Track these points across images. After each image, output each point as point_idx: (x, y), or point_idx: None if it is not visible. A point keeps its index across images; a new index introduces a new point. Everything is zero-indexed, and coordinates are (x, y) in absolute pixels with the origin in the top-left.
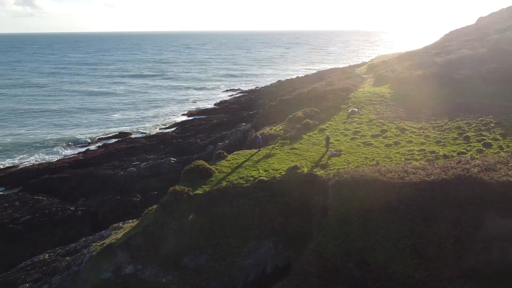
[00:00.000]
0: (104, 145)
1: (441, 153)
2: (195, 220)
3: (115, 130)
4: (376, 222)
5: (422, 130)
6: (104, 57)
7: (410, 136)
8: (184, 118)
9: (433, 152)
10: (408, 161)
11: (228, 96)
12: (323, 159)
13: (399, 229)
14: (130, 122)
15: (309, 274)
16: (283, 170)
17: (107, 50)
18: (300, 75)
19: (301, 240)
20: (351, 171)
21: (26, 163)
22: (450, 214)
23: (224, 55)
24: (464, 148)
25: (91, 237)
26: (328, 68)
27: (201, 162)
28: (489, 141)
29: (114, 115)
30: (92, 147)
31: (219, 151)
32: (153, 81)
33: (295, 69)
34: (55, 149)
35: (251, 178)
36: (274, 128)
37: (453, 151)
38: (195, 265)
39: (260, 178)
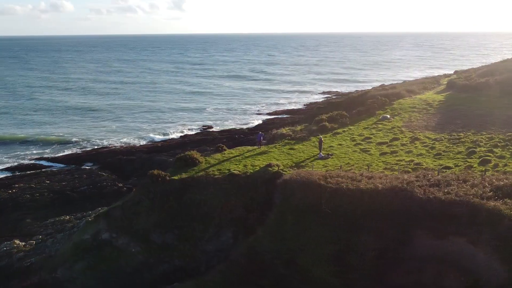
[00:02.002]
0: (183, 136)
1: (424, 166)
2: (165, 201)
3: (201, 123)
4: (307, 224)
5: (433, 142)
6: (213, 58)
7: (415, 147)
8: (266, 117)
9: (418, 164)
10: (385, 170)
11: (322, 98)
12: (307, 161)
13: (325, 234)
14: (216, 118)
15: (238, 264)
16: (261, 167)
17: (219, 51)
18: (409, 80)
19: None
20: (302, 172)
21: (117, 145)
22: (376, 225)
23: (336, 58)
24: (454, 163)
25: (106, 207)
26: (443, 73)
27: (191, 152)
28: (491, 158)
29: (206, 109)
30: (174, 137)
31: (219, 144)
32: (250, 82)
33: (408, 74)
34: (144, 136)
35: (226, 171)
36: (292, 128)
37: (440, 165)
38: (162, 241)
39: (232, 171)
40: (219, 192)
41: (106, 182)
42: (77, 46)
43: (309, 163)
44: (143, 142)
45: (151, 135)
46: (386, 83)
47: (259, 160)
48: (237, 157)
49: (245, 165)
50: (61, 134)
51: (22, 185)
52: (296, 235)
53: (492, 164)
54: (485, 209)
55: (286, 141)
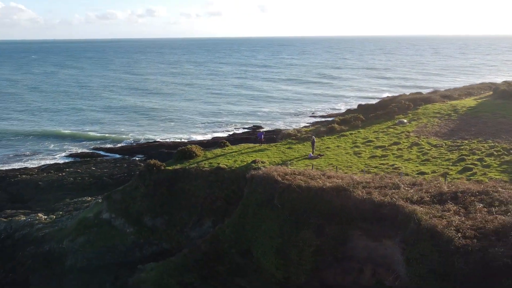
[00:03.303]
0: (231, 135)
1: (401, 170)
2: (157, 189)
3: (252, 123)
4: (262, 217)
5: (431, 148)
6: (282, 61)
7: (409, 152)
8: (317, 120)
9: (396, 168)
10: (360, 172)
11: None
12: (295, 159)
13: (275, 228)
14: (268, 119)
15: (200, 249)
16: (247, 162)
17: (303, 52)
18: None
19: None
20: (272, 168)
21: (168, 140)
22: (316, 222)
23: (413, 61)
24: (432, 170)
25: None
26: None
27: (190, 146)
28: (475, 167)
29: (261, 111)
30: (222, 135)
31: (222, 141)
32: (312, 86)
33: (485, 80)
34: (195, 133)
35: (216, 165)
36: (297, 128)
37: (418, 170)
38: (152, 225)
39: (219, 165)
40: (205, 183)
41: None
42: (161, 48)
43: (295, 162)
44: (193, 138)
45: (202, 132)
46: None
47: (251, 156)
48: (234, 153)
49: (235, 161)
50: (122, 130)
51: (72, 169)
52: (253, 227)
53: (471, 172)
54: (403, 212)
55: (289, 140)
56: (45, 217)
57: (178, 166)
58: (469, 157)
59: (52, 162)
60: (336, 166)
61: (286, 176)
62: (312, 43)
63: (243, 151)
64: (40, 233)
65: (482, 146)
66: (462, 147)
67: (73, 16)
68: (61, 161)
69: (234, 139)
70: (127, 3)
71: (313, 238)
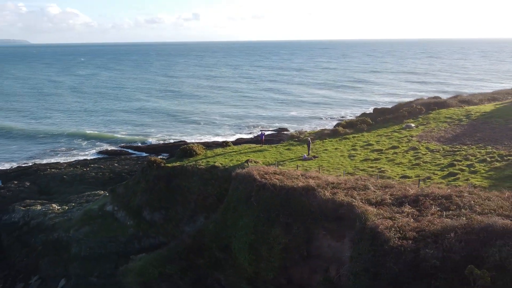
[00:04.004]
0: (256, 136)
1: (387, 173)
2: (156, 184)
3: (278, 126)
4: (240, 213)
5: (427, 152)
6: (318, 64)
7: (404, 156)
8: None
9: (382, 171)
10: (346, 174)
11: None
12: (289, 160)
13: (250, 224)
14: (294, 122)
15: (184, 243)
16: (241, 162)
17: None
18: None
19: None
20: (254, 167)
21: (193, 141)
22: (285, 220)
23: (458, 65)
24: (416, 174)
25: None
26: None
27: (192, 144)
28: (461, 172)
29: (288, 115)
30: (245, 136)
31: (225, 140)
32: (344, 90)
33: None
34: (220, 135)
35: (212, 163)
36: (299, 130)
37: (403, 174)
38: (150, 219)
39: (214, 164)
40: (200, 181)
41: None
42: (203, 51)
43: (287, 162)
44: (217, 140)
45: (227, 133)
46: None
47: (249, 156)
48: (233, 153)
49: (231, 160)
50: (152, 130)
51: (96, 165)
52: (233, 224)
53: (454, 177)
54: (355, 213)
55: (291, 142)
56: (58, 207)
57: (177, 164)
58: (460, 163)
59: (81, 158)
60: (319, 167)
61: (265, 175)
62: (355, 46)
63: (242, 151)
64: (51, 222)
65: (479, 152)
66: (458, 153)
67: (124, 21)
68: (90, 157)
69: (257, 140)
70: (174, 8)
71: (282, 236)
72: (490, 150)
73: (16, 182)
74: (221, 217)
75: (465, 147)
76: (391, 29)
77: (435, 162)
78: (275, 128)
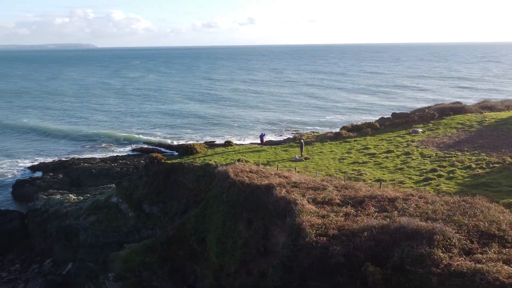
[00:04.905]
0: (282, 140)
1: (367, 177)
2: (155, 180)
3: (309, 129)
4: (215, 209)
5: (417, 157)
6: (362, 68)
7: (392, 161)
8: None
9: (361, 174)
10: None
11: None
12: (280, 160)
13: (220, 219)
14: (325, 126)
15: (167, 235)
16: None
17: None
18: None
19: None
20: (233, 166)
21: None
22: (247, 216)
23: None
24: (391, 178)
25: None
26: None
27: (193, 143)
28: (437, 178)
29: (322, 119)
30: (273, 139)
31: (227, 140)
32: (379, 95)
33: None
34: (245, 137)
35: (208, 161)
36: (300, 133)
37: (377, 178)
38: (149, 211)
39: (208, 162)
40: (194, 177)
41: None
42: (252, 55)
43: (277, 163)
44: (244, 141)
45: (256, 135)
46: None
47: (245, 156)
48: (231, 152)
49: (226, 159)
50: (188, 131)
51: (123, 161)
52: (209, 218)
53: (427, 182)
54: (292, 210)
55: (291, 143)
56: (74, 197)
57: (176, 161)
58: (444, 169)
59: (114, 154)
60: (295, 168)
61: (239, 173)
62: (410, 50)
63: (240, 151)
64: (65, 210)
65: (469, 158)
66: (448, 159)
67: (182, 25)
68: (122, 154)
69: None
70: (230, 13)
71: (244, 231)
72: (482, 157)
73: (51, 174)
74: (201, 212)
75: (460, 153)
76: (455, 31)
77: (419, 168)
78: (310, 130)
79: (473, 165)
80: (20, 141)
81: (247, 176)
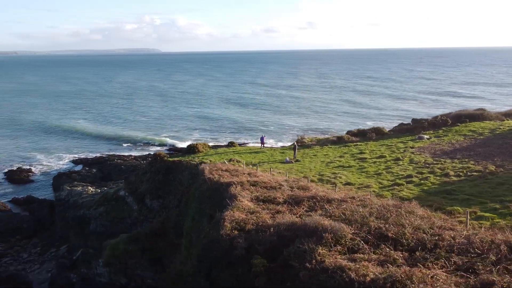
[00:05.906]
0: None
1: (340, 180)
2: (157, 175)
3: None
4: (189, 204)
5: (405, 163)
6: (412, 73)
7: (378, 165)
8: None
9: (338, 177)
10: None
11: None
12: (272, 162)
13: (192, 214)
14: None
15: (153, 227)
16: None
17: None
18: None
19: None
20: (211, 164)
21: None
22: (209, 212)
23: None
24: (360, 182)
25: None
26: None
27: (196, 143)
28: (405, 184)
29: (357, 125)
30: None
31: (231, 141)
32: (415, 103)
33: None
34: (281, 138)
35: (205, 160)
36: (301, 135)
37: (347, 181)
38: (150, 205)
39: (204, 161)
40: (189, 175)
41: None
42: (302, 59)
43: (267, 164)
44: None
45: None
46: None
47: (241, 157)
48: (230, 152)
49: (222, 158)
50: (223, 133)
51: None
52: (186, 213)
53: (392, 188)
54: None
55: (292, 146)
56: (93, 190)
57: (176, 158)
58: (421, 175)
59: (146, 153)
60: (270, 169)
61: (214, 171)
62: (477, 55)
63: (240, 152)
64: (81, 200)
65: (454, 166)
66: (432, 166)
67: (242, 30)
68: (152, 152)
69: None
70: (290, 17)
71: (206, 226)
72: (467, 165)
73: (87, 168)
74: (184, 207)
75: (449, 160)
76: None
77: (398, 173)
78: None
79: (452, 173)
80: (66, 139)
81: (218, 174)
